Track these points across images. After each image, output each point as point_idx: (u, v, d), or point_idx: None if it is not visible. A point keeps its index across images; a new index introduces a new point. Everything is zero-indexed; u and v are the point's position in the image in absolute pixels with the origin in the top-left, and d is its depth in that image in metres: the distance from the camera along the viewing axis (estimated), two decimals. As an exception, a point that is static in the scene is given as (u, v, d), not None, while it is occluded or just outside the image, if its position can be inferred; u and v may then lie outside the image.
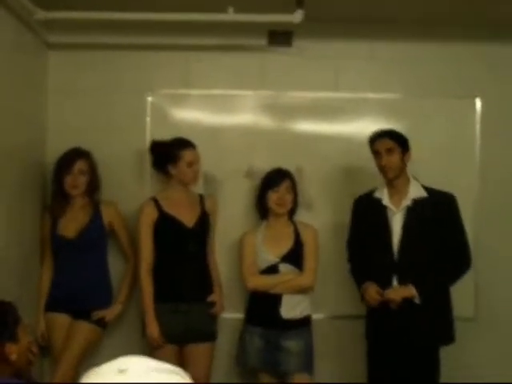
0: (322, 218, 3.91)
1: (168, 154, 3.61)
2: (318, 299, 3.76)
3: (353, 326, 3.52)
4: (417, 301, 3.21)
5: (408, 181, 3.38)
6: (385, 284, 3.28)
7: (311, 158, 3.94)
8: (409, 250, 3.25)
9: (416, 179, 3.40)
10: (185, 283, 3.56)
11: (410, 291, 3.21)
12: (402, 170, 3.35)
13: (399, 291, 3.23)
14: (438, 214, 3.29)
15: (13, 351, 2.05)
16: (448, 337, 3.34)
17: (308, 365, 3.54)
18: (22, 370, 2.18)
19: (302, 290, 3.58)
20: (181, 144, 3.61)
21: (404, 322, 3.23)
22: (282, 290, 3.53)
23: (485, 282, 3.94)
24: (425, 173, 3.78)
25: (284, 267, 3.57)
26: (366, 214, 3.46)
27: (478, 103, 3.98)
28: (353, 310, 3.53)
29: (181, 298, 3.53)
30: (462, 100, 4.01)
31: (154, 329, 3.48)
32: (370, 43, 3.95)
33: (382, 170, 3.37)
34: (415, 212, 3.29)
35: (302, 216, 3.79)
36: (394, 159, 3.33)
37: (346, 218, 3.76)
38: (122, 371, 0.99)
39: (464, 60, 3.99)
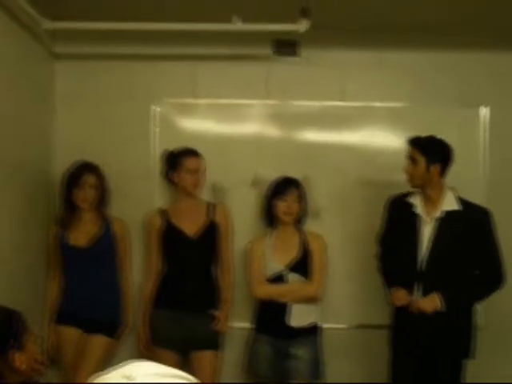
0: (329, 227, 3.90)
1: (171, 161, 3.72)
2: (327, 308, 3.74)
3: (361, 335, 3.50)
4: (442, 309, 3.16)
5: (442, 192, 3.29)
6: (407, 290, 3.24)
7: (318, 166, 3.94)
8: (435, 262, 3.19)
9: (454, 190, 3.31)
10: (185, 293, 3.60)
11: (436, 302, 3.16)
12: (426, 180, 3.25)
13: (427, 304, 3.17)
14: (470, 228, 3.20)
15: (18, 359, 2.05)
16: (469, 351, 3.31)
17: (316, 373, 3.54)
18: (29, 379, 2.18)
19: (309, 300, 3.57)
20: (184, 152, 3.70)
21: (429, 333, 3.20)
22: (289, 299, 3.52)
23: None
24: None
25: (291, 276, 3.56)
26: (399, 216, 3.39)
27: (484, 112, 3.98)
28: (361, 320, 3.52)
29: (180, 307, 3.58)
30: (468, 109, 4.00)
31: (142, 332, 3.67)
32: (375, 52, 3.95)
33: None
34: (446, 224, 3.22)
35: (309, 225, 3.78)
36: (414, 169, 3.26)
37: (353, 226, 3.75)
38: (127, 377, 0.98)
39: (470, 69, 3.99)
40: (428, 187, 3.27)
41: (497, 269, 3.26)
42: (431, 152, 3.25)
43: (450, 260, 3.20)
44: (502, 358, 3.91)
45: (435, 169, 3.25)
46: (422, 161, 3.24)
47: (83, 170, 3.66)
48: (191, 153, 3.70)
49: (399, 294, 3.26)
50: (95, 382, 1.01)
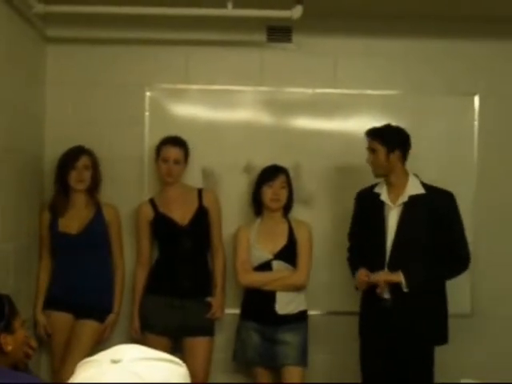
0: (320, 214, 3.91)
1: (156, 149, 3.75)
2: (313, 295, 3.75)
3: (348, 321, 3.52)
4: (404, 289, 3.21)
5: (406, 177, 3.36)
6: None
7: (309, 153, 3.94)
8: (401, 246, 3.26)
9: (416, 176, 3.39)
10: (179, 280, 3.62)
11: (398, 277, 3.21)
12: (388, 168, 3.34)
13: (383, 275, 3.24)
14: (434, 211, 3.28)
15: (8, 342, 2.06)
16: (441, 337, 3.35)
17: (302, 358, 3.56)
18: (19, 362, 2.19)
19: (295, 288, 3.59)
20: (164, 140, 3.73)
21: (397, 320, 3.24)
22: (275, 287, 3.54)
23: (481, 278, 3.94)
24: (423, 169, 3.78)
25: (277, 264, 3.58)
26: (366, 207, 3.46)
27: (477, 100, 3.98)
28: (348, 306, 3.53)
29: (175, 293, 3.60)
30: (461, 97, 4.01)
31: (135, 320, 3.69)
32: (369, 39, 3.94)
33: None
34: (410, 209, 3.29)
35: (299, 212, 3.79)
36: (376, 159, 3.34)
37: (343, 214, 3.75)
38: (115, 361, 0.99)
39: (463, 57, 3.99)
40: (391, 175, 3.35)
41: (463, 250, 3.32)
42: (389, 140, 3.34)
43: (417, 243, 3.26)
44: (487, 346, 3.94)
45: (395, 156, 3.33)
46: (381, 150, 3.33)
47: (78, 152, 3.67)
48: (170, 141, 3.71)
49: (360, 275, 3.33)
50: (83, 367, 1.01)
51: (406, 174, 3.38)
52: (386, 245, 3.28)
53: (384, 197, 3.35)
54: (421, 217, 3.28)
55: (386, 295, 3.27)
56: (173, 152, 3.68)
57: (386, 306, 3.26)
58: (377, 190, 3.41)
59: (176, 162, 3.68)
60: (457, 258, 3.33)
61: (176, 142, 3.71)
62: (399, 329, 3.25)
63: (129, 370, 0.96)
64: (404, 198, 3.31)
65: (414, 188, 3.33)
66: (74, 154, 3.66)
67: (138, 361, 0.99)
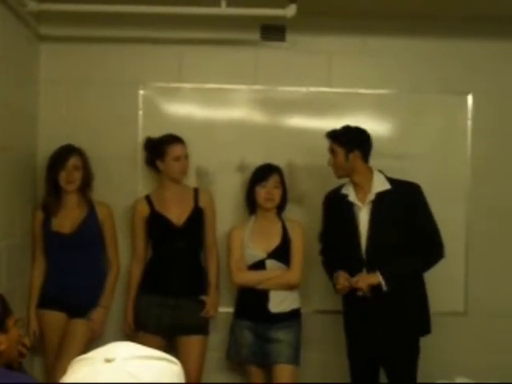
0: (313, 213, 3.90)
1: (156, 150, 3.70)
2: (306, 294, 3.76)
3: (340, 320, 3.53)
4: (384, 288, 3.21)
5: (371, 175, 3.36)
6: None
7: (303, 152, 3.94)
8: (376, 243, 3.27)
9: (381, 172, 3.39)
10: (173, 279, 3.62)
11: (376, 278, 3.22)
12: (348, 169, 3.35)
13: (365, 279, 3.24)
14: (402, 205, 3.29)
15: (1, 341, 2.05)
16: (423, 328, 3.36)
17: (295, 356, 3.56)
18: (12, 361, 2.18)
19: (289, 287, 3.59)
20: (168, 139, 3.69)
21: (379, 315, 3.26)
22: (269, 286, 3.55)
23: (474, 277, 3.96)
24: (417, 168, 3.80)
25: (271, 263, 3.59)
26: (335, 209, 3.47)
27: (470, 99, 3.99)
28: (340, 305, 3.53)
29: (169, 292, 3.60)
30: (455, 96, 4.01)
31: (128, 316, 3.69)
32: (363, 38, 3.95)
33: None
34: (380, 205, 3.29)
35: (292, 211, 3.79)
36: (335, 160, 3.37)
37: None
38: (108, 360, 0.98)
39: (456, 56, 3.99)
40: (354, 175, 3.36)
41: (435, 238, 3.32)
42: (347, 141, 3.36)
43: (390, 239, 3.26)
44: (481, 344, 3.95)
45: (355, 156, 3.34)
46: (340, 151, 3.35)
47: (68, 152, 3.64)
48: (176, 140, 3.69)
49: (340, 280, 3.32)
50: (77, 366, 1.01)
51: (371, 172, 3.38)
52: (361, 245, 3.29)
53: (352, 197, 3.36)
54: (390, 212, 3.29)
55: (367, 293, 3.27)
56: (181, 149, 3.68)
57: (366, 302, 3.26)
58: (344, 191, 3.41)
59: (186, 157, 3.70)
60: (431, 247, 3.34)
61: (178, 138, 3.70)
62: (382, 324, 3.26)
63: (123, 369, 0.96)
64: (371, 196, 3.31)
65: (379, 185, 3.33)
66: (64, 154, 3.63)
67: (132, 359, 0.98)
